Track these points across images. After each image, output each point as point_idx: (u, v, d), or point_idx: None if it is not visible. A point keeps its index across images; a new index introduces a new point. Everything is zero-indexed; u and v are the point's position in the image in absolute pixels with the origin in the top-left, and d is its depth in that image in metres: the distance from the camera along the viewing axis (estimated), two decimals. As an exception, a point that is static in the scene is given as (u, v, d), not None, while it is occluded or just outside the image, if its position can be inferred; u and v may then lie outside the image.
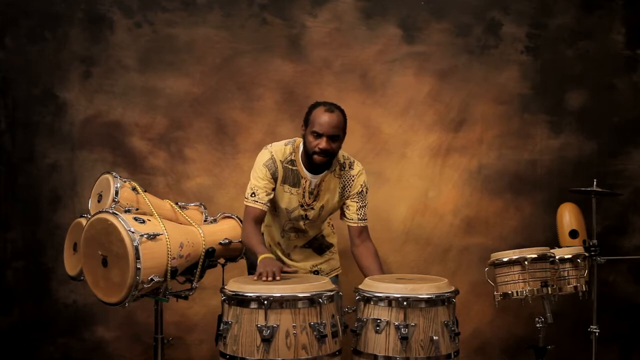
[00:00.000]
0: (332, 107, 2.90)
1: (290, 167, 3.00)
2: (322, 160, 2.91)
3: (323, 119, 2.86)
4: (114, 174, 2.97)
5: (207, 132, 4.01)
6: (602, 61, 4.10)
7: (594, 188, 3.28)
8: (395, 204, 4.03)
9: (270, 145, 3.04)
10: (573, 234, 3.41)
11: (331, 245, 3.29)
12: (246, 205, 2.99)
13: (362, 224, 3.08)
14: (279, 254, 3.18)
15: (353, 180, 3.06)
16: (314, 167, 2.97)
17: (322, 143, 2.86)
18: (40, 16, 3.96)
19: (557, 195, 3.81)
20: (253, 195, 2.96)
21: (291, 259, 3.18)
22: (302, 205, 3.04)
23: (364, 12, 4.03)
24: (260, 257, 2.81)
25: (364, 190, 3.08)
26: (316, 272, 3.18)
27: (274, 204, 3.06)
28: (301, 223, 3.09)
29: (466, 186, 4.08)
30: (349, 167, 3.07)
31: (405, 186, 4.06)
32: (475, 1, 4.07)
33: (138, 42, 3.98)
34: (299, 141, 3.01)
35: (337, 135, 2.89)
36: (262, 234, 3.14)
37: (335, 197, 3.07)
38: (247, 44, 4.00)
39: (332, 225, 3.33)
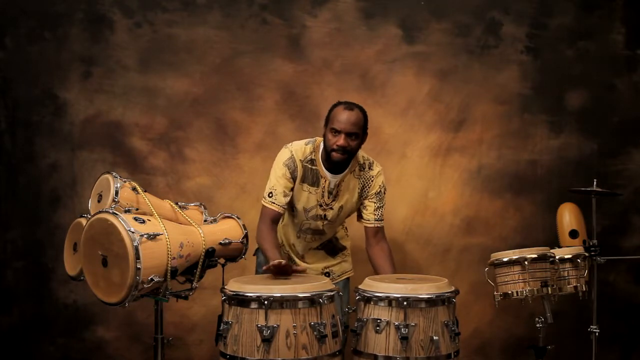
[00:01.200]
0: (351, 105, 2.93)
1: (310, 166, 2.99)
2: (340, 158, 2.90)
3: (342, 116, 2.88)
4: (114, 174, 2.96)
5: (207, 132, 4.01)
6: (602, 61, 4.09)
7: (594, 188, 3.28)
8: (395, 204, 4.01)
9: (290, 144, 3.04)
10: (573, 234, 3.40)
11: (344, 247, 3.28)
12: (263, 205, 3.00)
13: (378, 225, 3.08)
14: (292, 255, 3.18)
15: (372, 181, 3.06)
16: (333, 167, 2.97)
17: (340, 140, 2.86)
18: (40, 16, 3.96)
19: (557, 195, 3.80)
20: (270, 195, 2.97)
21: (305, 262, 3.17)
22: (320, 205, 3.03)
23: (364, 12, 4.03)
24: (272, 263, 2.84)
25: (382, 190, 3.09)
26: (327, 274, 3.17)
27: (290, 203, 3.05)
28: (319, 223, 3.08)
29: (466, 186, 4.08)
30: (369, 168, 3.08)
31: (405, 186, 4.06)
32: (475, 1, 4.07)
33: (138, 42, 3.98)
34: (320, 140, 3.02)
35: (356, 133, 2.90)
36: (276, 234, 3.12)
37: (354, 197, 3.07)
38: (247, 44, 4.00)
39: (346, 228, 3.33)
